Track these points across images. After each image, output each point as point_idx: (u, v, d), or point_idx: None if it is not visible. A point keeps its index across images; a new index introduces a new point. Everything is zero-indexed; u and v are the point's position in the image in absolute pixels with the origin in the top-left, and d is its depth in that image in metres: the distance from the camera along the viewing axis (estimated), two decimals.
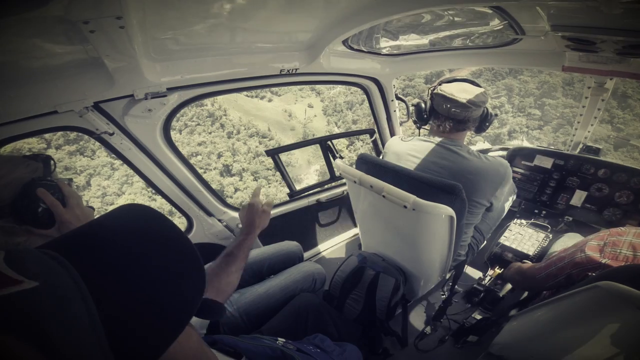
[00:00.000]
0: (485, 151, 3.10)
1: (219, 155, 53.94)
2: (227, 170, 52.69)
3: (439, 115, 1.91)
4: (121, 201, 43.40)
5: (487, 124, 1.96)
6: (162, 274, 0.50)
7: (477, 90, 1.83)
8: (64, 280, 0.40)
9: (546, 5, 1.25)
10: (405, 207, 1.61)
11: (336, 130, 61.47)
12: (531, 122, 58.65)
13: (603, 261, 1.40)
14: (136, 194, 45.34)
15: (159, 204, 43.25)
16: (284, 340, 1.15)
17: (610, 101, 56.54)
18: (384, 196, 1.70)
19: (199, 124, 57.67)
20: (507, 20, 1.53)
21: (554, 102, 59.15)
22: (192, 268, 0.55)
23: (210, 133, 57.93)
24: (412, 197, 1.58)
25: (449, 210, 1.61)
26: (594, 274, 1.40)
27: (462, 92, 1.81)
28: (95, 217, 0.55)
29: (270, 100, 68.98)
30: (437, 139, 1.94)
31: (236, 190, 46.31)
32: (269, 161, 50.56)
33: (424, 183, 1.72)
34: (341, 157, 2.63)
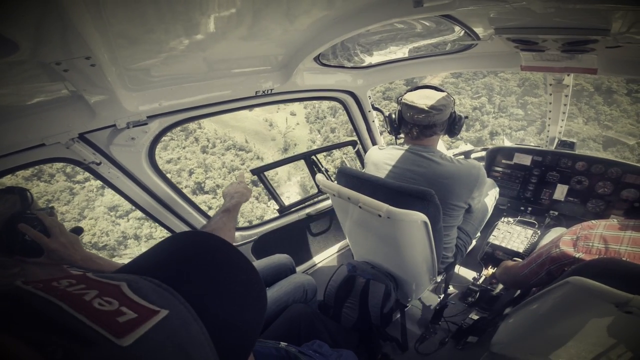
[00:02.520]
0: (467, 152, 3.18)
1: (190, 173, 50.57)
2: (199, 188, 49.46)
3: (407, 123, 1.97)
4: (81, 225, 41.69)
5: (457, 126, 2.01)
6: (242, 295, 0.55)
7: (439, 96, 1.88)
8: (178, 305, 0.43)
9: (486, 10, 1.35)
10: (379, 216, 1.67)
11: (318, 138, 58.75)
12: (514, 123, 55.41)
13: (577, 255, 1.41)
14: (98, 218, 43.03)
15: (123, 228, 42.52)
16: (285, 344, 1.20)
17: (595, 97, 53.65)
18: (360, 207, 1.76)
19: (172, 139, 53.99)
20: (462, 27, 1.63)
21: (536, 101, 55.74)
22: (261, 288, 0.59)
23: (184, 148, 54.48)
24: (385, 206, 1.64)
25: (421, 216, 1.67)
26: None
27: (423, 99, 1.87)
28: (159, 245, 0.58)
29: (250, 110, 64.31)
30: (411, 147, 2.00)
31: (209, 208, 43.01)
32: (245, 175, 48.70)
33: (398, 191, 1.79)
34: (326, 171, 2.70)
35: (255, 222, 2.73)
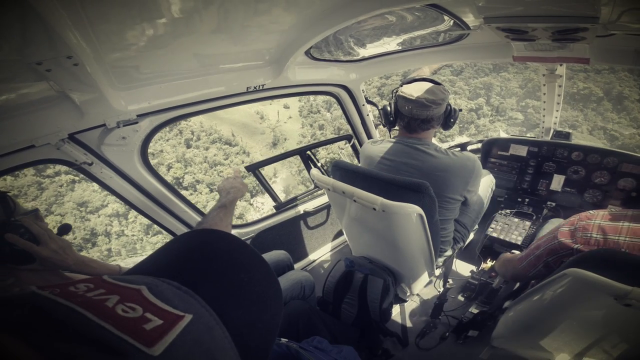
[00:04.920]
0: (463, 145, 3.17)
1: (169, 167, 49.52)
2: (177, 184, 48.01)
3: (404, 116, 1.95)
4: (47, 221, 40.63)
5: (452, 120, 2.00)
6: (259, 296, 0.53)
7: (436, 89, 1.86)
8: (199, 309, 0.42)
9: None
10: (374, 209, 1.66)
11: (309, 132, 57.17)
12: (512, 129, 50.93)
13: (575, 246, 1.39)
14: (66, 214, 41.86)
15: (93, 224, 41.55)
16: (286, 340, 1.19)
17: (604, 103, 50.43)
18: (355, 200, 1.75)
19: None
20: (450, 17, 1.61)
21: (538, 104, 49.71)
22: (277, 287, 0.58)
23: (167, 140, 52.78)
24: (380, 199, 1.63)
25: (416, 209, 1.65)
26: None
27: (420, 92, 1.84)
28: (171, 245, 0.57)
29: None
30: (406, 140, 1.99)
31: None
32: (227, 172, 46.78)
33: (392, 184, 1.78)
34: (322, 166, 2.70)
35: (236, 222, 2.72)
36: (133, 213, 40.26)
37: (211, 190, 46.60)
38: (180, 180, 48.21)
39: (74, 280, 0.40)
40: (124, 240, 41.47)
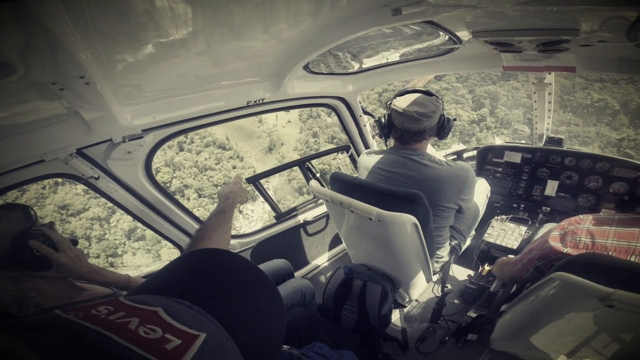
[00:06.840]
0: (459, 152, 3.23)
1: (157, 171, 45.40)
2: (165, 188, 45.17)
3: (397, 128, 1.98)
4: None
5: (446, 130, 2.03)
6: (265, 312, 0.57)
7: (428, 101, 1.89)
8: (211, 327, 0.45)
9: (463, 15, 1.40)
10: (370, 219, 1.70)
11: (304, 139, 55.64)
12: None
13: (565, 250, 1.43)
14: (47, 216, 39.85)
15: (73, 227, 39.36)
16: (287, 346, 1.22)
17: (620, 117, 47.02)
18: (352, 211, 1.80)
19: None
20: (444, 32, 1.68)
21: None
22: (281, 303, 0.62)
23: None
24: (375, 210, 1.68)
25: (411, 218, 1.69)
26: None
27: (412, 105, 1.88)
28: (179, 263, 0.60)
29: None
30: (400, 151, 2.03)
31: None
32: (217, 177, 45.90)
33: (388, 194, 1.82)
34: (321, 177, 2.75)
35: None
36: (115, 217, 39.81)
37: (200, 196, 45.44)
38: (168, 185, 45.97)
39: (93, 303, 0.43)
40: (105, 244, 40.50)
